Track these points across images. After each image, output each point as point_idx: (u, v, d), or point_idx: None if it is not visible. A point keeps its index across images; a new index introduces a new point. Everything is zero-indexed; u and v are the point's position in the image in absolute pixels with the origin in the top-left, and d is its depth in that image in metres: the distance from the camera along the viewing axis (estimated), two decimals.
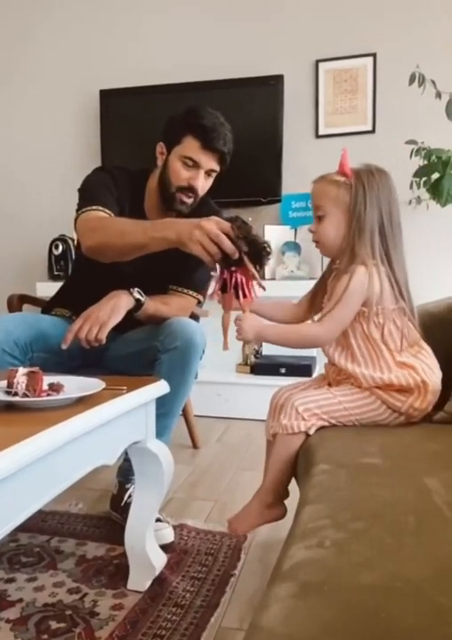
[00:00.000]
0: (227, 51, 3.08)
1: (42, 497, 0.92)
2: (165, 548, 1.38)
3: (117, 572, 1.32)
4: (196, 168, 1.60)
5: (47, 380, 1.09)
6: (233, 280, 1.19)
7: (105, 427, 1.05)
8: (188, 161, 1.59)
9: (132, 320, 1.57)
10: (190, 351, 1.47)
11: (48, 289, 2.45)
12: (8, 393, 1.04)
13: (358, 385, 1.23)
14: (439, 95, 2.41)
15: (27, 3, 3.40)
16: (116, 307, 1.49)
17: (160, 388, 1.28)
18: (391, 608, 0.52)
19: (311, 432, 1.17)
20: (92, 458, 1.07)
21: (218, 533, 1.51)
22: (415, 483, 0.80)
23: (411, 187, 2.58)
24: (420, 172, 2.48)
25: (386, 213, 1.23)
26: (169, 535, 1.45)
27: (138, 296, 1.54)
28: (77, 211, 1.59)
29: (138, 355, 1.56)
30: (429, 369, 1.22)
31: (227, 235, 1.18)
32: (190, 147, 1.58)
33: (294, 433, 1.18)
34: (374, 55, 2.90)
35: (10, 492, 0.82)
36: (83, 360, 1.55)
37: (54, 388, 1.08)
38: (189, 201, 1.64)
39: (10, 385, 1.04)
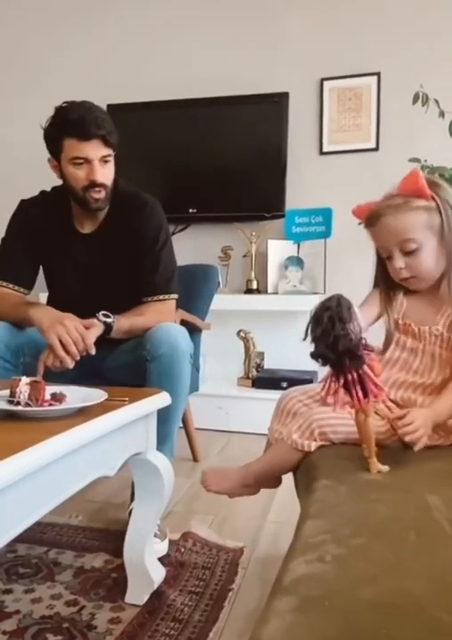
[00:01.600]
0: (233, 68, 3.12)
1: (41, 507, 0.92)
2: (160, 561, 1.37)
3: (115, 585, 1.31)
4: (87, 163, 1.58)
5: (49, 389, 1.09)
6: (351, 380, 0.95)
7: (106, 438, 1.05)
8: (77, 160, 1.59)
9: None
10: (176, 356, 1.48)
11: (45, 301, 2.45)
12: (10, 402, 1.04)
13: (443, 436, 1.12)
14: (442, 114, 2.44)
15: (34, 16, 3.45)
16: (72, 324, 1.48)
17: (162, 399, 1.28)
18: (391, 624, 0.52)
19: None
20: (93, 469, 1.07)
21: (215, 547, 1.50)
22: (415, 499, 0.80)
23: None
24: None
25: None
26: (162, 548, 1.44)
27: (104, 318, 1.54)
28: None
29: (130, 365, 1.57)
30: None
31: None
32: (71, 147, 1.58)
33: (302, 450, 1.14)
34: (378, 74, 2.93)
35: (9, 502, 0.82)
36: (79, 371, 1.56)
37: (56, 398, 1.08)
38: (101, 195, 1.62)
39: (12, 394, 1.04)
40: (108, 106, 3.21)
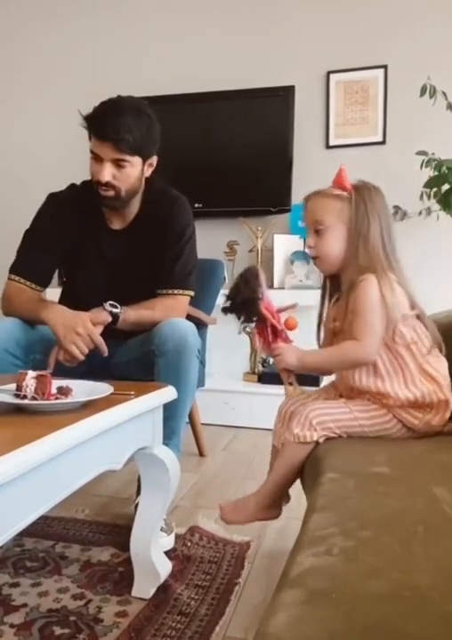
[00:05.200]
0: (239, 62, 3.10)
1: (48, 501, 0.92)
2: (167, 555, 1.37)
3: (121, 578, 1.31)
4: (99, 161, 1.59)
5: (56, 383, 1.09)
6: (258, 329, 1.28)
7: (112, 431, 1.05)
8: (92, 155, 1.61)
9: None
10: (184, 352, 1.48)
11: (58, 294, 2.46)
12: (17, 396, 1.04)
13: (379, 402, 1.19)
14: (450, 107, 2.42)
15: (36, 12, 3.45)
16: (80, 319, 1.51)
17: (168, 393, 1.28)
18: (399, 616, 0.51)
19: (321, 441, 1.16)
20: (99, 462, 1.07)
21: (221, 541, 1.50)
22: (423, 492, 0.79)
23: (421, 197, 2.58)
24: (430, 183, 2.48)
25: (386, 229, 1.23)
26: (168, 542, 1.44)
27: (110, 308, 1.55)
28: (10, 268, 1.72)
29: (139, 360, 1.57)
30: (448, 384, 1.20)
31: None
32: (92, 141, 1.60)
33: (306, 442, 1.16)
34: (385, 67, 2.91)
35: (16, 495, 0.82)
36: (88, 366, 1.56)
37: (63, 391, 1.08)
38: (108, 194, 1.62)
39: (19, 387, 1.04)
40: None
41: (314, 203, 1.27)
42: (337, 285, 1.31)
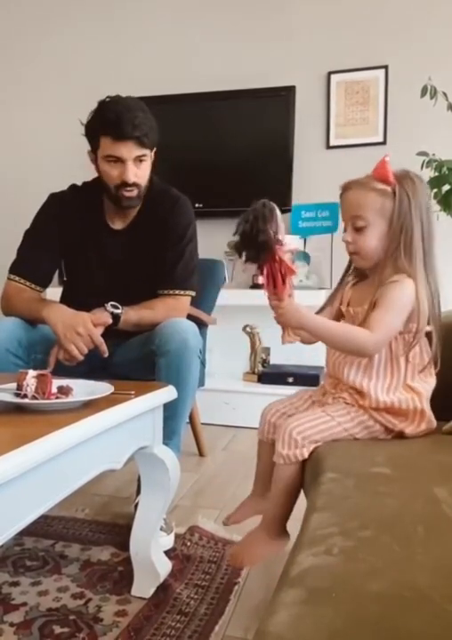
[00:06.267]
0: (239, 61, 3.10)
1: (48, 500, 0.92)
2: (166, 554, 1.37)
3: (121, 578, 1.31)
4: (120, 162, 1.59)
5: (56, 382, 1.09)
6: (267, 271, 1.12)
7: (112, 431, 1.05)
8: (110, 159, 1.60)
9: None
10: (185, 353, 1.48)
11: (58, 294, 2.46)
12: (17, 395, 1.04)
13: (356, 403, 1.17)
14: (450, 107, 2.42)
15: (36, 13, 3.45)
16: (81, 319, 1.51)
17: (168, 393, 1.28)
18: (398, 616, 0.51)
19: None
20: (99, 462, 1.07)
21: (221, 541, 1.50)
22: (424, 492, 0.79)
23: None
24: (431, 184, 2.47)
25: (426, 223, 1.17)
26: (168, 542, 1.44)
27: (112, 309, 1.55)
28: (10, 268, 1.72)
29: (139, 360, 1.57)
30: (428, 397, 1.18)
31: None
32: (106, 145, 1.59)
33: (296, 462, 1.13)
34: (385, 67, 2.91)
35: (16, 495, 0.82)
36: (88, 365, 1.56)
37: (63, 390, 1.08)
38: (133, 193, 1.63)
39: (19, 387, 1.05)
40: None
41: (355, 195, 1.19)
42: (362, 271, 1.27)
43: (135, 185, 1.62)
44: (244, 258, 1.10)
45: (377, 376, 1.17)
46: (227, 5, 3.14)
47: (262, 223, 1.07)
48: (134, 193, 1.63)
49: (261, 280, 1.15)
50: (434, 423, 1.18)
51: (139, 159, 1.60)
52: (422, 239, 1.16)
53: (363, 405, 1.17)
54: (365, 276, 1.27)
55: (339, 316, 1.27)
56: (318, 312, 1.28)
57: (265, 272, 1.11)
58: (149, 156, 1.63)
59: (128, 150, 1.57)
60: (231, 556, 1.26)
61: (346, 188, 1.22)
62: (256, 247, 1.08)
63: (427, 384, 1.19)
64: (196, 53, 3.17)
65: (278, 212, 1.10)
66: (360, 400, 1.17)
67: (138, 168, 1.61)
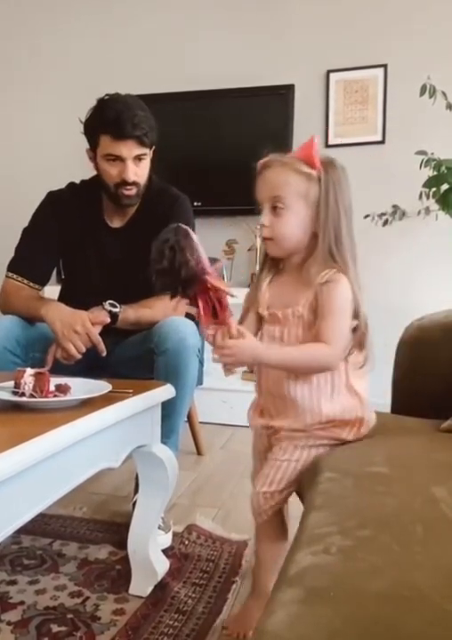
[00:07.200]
0: (238, 60, 3.09)
1: (46, 498, 0.92)
2: (164, 553, 1.37)
3: (119, 576, 1.31)
4: (120, 161, 1.59)
5: (54, 381, 1.09)
6: (202, 303, 0.99)
7: (110, 429, 1.05)
8: (110, 157, 1.60)
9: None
10: (183, 351, 1.48)
11: (56, 293, 2.45)
12: (15, 393, 1.04)
13: (301, 421, 1.10)
14: (449, 106, 2.42)
15: (36, 11, 3.44)
16: (79, 318, 1.51)
17: (166, 391, 1.28)
18: (397, 615, 0.51)
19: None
20: (97, 460, 1.07)
21: (219, 540, 1.50)
22: (422, 491, 0.79)
23: (420, 197, 2.57)
24: (429, 183, 2.48)
25: (349, 217, 1.09)
26: (166, 540, 1.44)
27: (110, 308, 1.55)
28: (8, 266, 1.72)
29: (138, 358, 1.57)
30: (368, 400, 1.13)
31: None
32: (106, 144, 1.59)
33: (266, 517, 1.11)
34: (385, 66, 2.91)
35: (13, 493, 0.82)
36: (87, 363, 1.56)
37: (61, 389, 1.08)
38: (132, 192, 1.64)
39: (17, 385, 1.04)
40: None
41: (276, 174, 1.09)
42: (276, 265, 1.16)
43: (135, 184, 1.62)
44: (169, 296, 1.00)
45: (318, 383, 1.09)
46: (226, 4, 3.13)
47: (181, 255, 0.95)
48: (134, 191, 1.63)
49: (196, 313, 1.01)
50: (373, 422, 1.14)
51: (138, 158, 1.60)
52: (349, 233, 1.08)
53: (305, 423, 1.10)
54: (279, 273, 1.16)
55: (259, 320, 1.15)
56: (242, 319, 1.16)
57: (200, 305, 0.99)
58: (148, 154, 1.63)
59: (128, 149, 1.57)
60: (229, 627, 1.15)
61: (266, 166, 1.12)
62: (182, 283, 0.96)
63: (366, 385, 1.13)
64: (195, 52, 3.16)
65: (192, 234, 0.99)
66: (301, 416, 1.10)
67: (137, 167, 1.61)
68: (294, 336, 1.09)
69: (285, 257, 1.13)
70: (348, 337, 1.07)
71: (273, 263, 1.17)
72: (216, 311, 0.99)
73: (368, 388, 1.14)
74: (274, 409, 1.14)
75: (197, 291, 0.97)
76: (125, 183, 1.61)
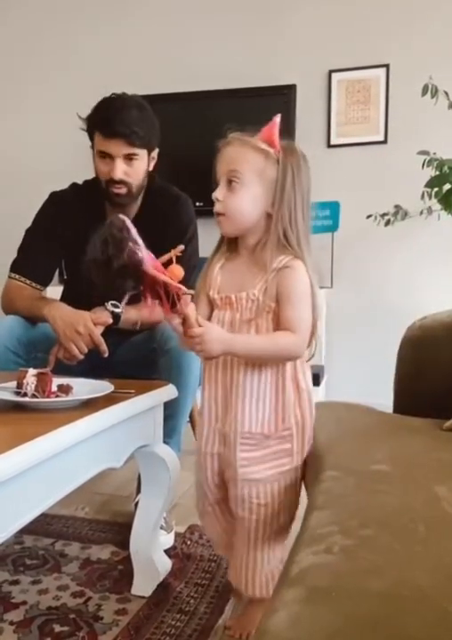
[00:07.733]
0: (240, 60, 3.09)
1: (48, 499, 0.92)
2: (166, 553, 1.37)
3: (121, 576, 1.31)
4: (110, 159, 1.60)
5: (56, 381, 1.09)
6: (153, 295, 0.95)
7: (112, 429, 1.05)
8: (101, 154, 1.61)
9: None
10: (186, 352, 1.47)
11: (59, 293, 2.46)
12: (17, 393, 1.04)
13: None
14: (451, 106, 2.41)
15: (36, 10, 3.45)
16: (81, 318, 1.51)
17: (168, 392, 1.28)
18: (399, 615, 0.51)
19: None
20: (99, 460, 1.07)
21: None
22: (424, 490, 0.79)
23: (422, 197, 2.57)
24: (432, 183, 2.48)
25: (307, 207, 1.07)
26: (168, 541, 1.44)
27: (112, 308, 1.55)
28: (11, 266, 1.72)
29: (140, 358, 1.58)
30: (310, 404, 1.09)
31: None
32: (98, 141, 1.61)
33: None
34: (387, 66, 2.91)
35: (16, 493, 0.82)
36: (89, 364, 1.56)
37: (63, 389, 1.08)
38: (122, 191, 1.63)
39: (19, 385, 1.04)
40: None
41: (234, 149, 1.10)
42: (234, 248, 1.12)
43: (123, 182, 1.62)
44: (120, 293, 0.96)
45: (265, 371, 1.06)
46: (228, 3, 3.13)
47: (113, 247, 0.91)
48: (123, 190, 1.63)
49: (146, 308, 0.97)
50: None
51: (129, 157, 1.60)
52: (304, 220, 1.06)
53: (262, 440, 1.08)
54: (232, 258, 1.13)
55: (210, 305, 1.12)
56: (196, 303, 1.09)
57: (148, 299, 0.95)
58: (141, 154, 1.62)
59: (117, 147, 1.58)
60: (231, 628, 1.14)
61: (227, 143, 1.12)
62: (116, 276, 0.92)
63: (309, 380, 1.11)
64: (197, 52, 3.16)
65: (130, 226, 0.94)
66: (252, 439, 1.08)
67: (128, 166, 1.61)
68: (246, 321, 1.06)
69: (238, 235, 1.10)
70: (310, 325, 1.05)
71: (228, 248, 1.13)
72: (173, 302, 0.94)
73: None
74: (217, 423, 1.15)
75: (144, 284, 0.93)
76: (113, 181, 1.61)
